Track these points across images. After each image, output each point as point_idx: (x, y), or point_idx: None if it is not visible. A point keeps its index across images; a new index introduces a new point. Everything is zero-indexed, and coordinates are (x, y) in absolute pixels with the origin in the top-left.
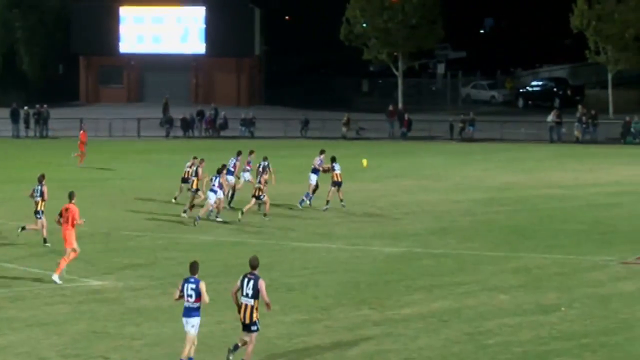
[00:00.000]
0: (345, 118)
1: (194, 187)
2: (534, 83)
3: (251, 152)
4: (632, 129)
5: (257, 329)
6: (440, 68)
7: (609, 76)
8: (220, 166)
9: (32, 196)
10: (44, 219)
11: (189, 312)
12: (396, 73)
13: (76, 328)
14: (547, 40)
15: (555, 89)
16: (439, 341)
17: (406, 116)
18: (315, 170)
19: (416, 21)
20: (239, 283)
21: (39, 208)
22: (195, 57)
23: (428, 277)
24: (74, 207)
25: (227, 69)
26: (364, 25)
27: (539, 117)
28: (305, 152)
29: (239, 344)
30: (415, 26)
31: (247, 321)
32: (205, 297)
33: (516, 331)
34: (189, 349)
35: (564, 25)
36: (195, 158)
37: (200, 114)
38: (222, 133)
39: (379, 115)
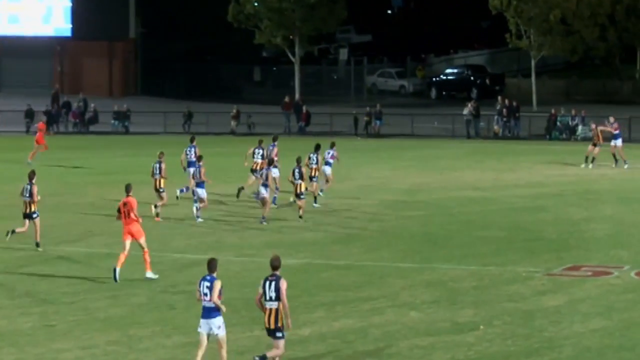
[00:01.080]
0: (234, 111)
1: (161, 186)
2: (448, 71)
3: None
4: (557, 123)
5: (283, 336)
6: (343, 54)
7: (532, 63)
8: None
9: (22, 195)
10: (37, 220)
11: (209, 312)
12: (293, 59)
13: None
14: (462, 23)
15: (472, 78)
16: None
17: (304, 108)
18: (327, 163)
19: (315, 0)
20: (260, 289)
21: (28, 210)
22: (59, 41)
23: (329, 293)
24: (132, 200)
25: (97, 54)
26: (256, 4)
27: (453, 109)
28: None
29: (267, 355)
30: (313, 6)
31: (272, 326)
32: (215, 296)
33: (429, 353)
34: (225, 354)
35: (481, 6)
36: (162, 153)
37: (67, 105)
38: (92, 128)
39: (273, 107)
